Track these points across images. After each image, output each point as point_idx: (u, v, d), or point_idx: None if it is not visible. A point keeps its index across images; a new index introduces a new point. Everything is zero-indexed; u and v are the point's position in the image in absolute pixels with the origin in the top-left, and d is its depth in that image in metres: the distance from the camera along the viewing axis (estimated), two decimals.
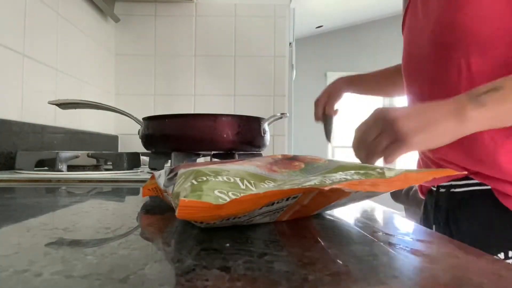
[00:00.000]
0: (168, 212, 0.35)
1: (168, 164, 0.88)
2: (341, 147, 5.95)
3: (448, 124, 0.47)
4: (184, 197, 0.27)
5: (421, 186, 0.75)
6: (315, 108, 0.92)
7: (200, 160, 1.06)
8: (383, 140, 0.49)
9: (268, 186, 0.32)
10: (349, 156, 0.55)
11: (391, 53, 5.67)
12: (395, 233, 0.30)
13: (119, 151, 1.66)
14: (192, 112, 1.67)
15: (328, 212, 0.36)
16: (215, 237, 0.27)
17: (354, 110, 4.27)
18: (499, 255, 0.56)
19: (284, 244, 0.25)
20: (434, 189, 0.70)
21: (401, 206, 3.85)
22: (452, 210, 0.64)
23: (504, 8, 0.54)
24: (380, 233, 0.29)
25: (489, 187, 0.59)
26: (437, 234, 0.30)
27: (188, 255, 0.22)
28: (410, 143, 0.47)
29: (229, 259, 0.21)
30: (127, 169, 0.84)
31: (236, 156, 0.86)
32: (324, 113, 0.93)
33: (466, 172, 0.60)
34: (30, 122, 1.03)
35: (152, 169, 0.88)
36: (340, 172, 0.33)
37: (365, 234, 0.29)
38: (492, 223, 0.58)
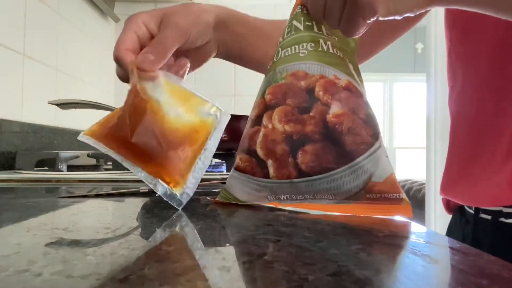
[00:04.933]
0: (168, 212, 0.35)
1: None
2: None
3: None
4: None
5: (447, 200, 0.56)
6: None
7: None
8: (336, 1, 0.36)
9: None
10: None
11: (391, 52, 5.67)
12: (395, 233, 0.30)
13: None
14: None
15: (328, 212, 0.36)
16: (215, 237, 0.27)
17: None
18: None
19: (284, 244, 0.25)
20: (471, 211, 0.50)
21: None
22: (499, 248, 0.45)
23: None
24: (380, 233, 0.29)
25: None
26: (437, 234, 0.30)
27: (188, 255, 0.22)
28: (373, 3, 0.34)
29: (229, 259, 0.21)
30: (127, 169, 0.84)
31: (236, 156, 0.86)
32: None
33: None
34: (30, 122, 1.03)
35: None
36: None
37: (365, 234, 0.29)
38: None
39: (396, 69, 3.73)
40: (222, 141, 0.81)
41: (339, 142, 0.35)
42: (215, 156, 0.93)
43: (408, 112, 4.96)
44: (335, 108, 0.36)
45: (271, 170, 0.37)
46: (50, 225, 0.30)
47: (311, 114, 0.36)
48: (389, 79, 4.14)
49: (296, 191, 0.37)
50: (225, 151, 0.86)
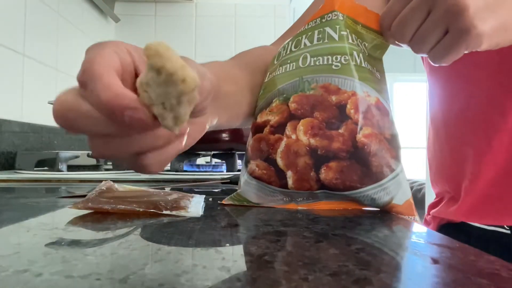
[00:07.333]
0: (168, 212, 0.35)
1: (167, 164, 0.88)
2: None
3: None
4: None
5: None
6: None
7: (200, 160, 1.06)
8: (433, 25, 0.33)
9: None
10: None
11: (391, 52, 5.66)
12: (395, 233, 0.30)
13: None
14: None
15: (328, 212, 0.36)
16: (215, 237, 0.27)
17: None
18: None
19: (284, 244, 0.25)
20: (507, 231, 0.49)
21: None
22: None
23: None
24: (380, 233, 0.29)
25: None
26: (437, 234, 0.30)
27: (188, 255, 0.22)
28: (477, 34, 0.31)
29: (229, 259, 0.21)
30: (127, 169, 0.84)
31: (236, 155, 0.86)
32: None
33: None
34: (30, 122, 1.03)
35: None
36: None
37: (365, 234, 0.29)
38: None
39: (396, 69, 3.73)
40: (222, 141, 0.81)
41: (365, 162, 0.35)
42: (215, 156, 0.93)
43: (408, 112, 4.95)
44: (365, 128, 0.36)
45: (290, 182, 0.37)
46: (50, 225, 0.30)
47: (340, 131, 0.36)
48: (389, 79, 4.15)
49: (314, 197, 0.38)
50: (225, 151, 0.86)
